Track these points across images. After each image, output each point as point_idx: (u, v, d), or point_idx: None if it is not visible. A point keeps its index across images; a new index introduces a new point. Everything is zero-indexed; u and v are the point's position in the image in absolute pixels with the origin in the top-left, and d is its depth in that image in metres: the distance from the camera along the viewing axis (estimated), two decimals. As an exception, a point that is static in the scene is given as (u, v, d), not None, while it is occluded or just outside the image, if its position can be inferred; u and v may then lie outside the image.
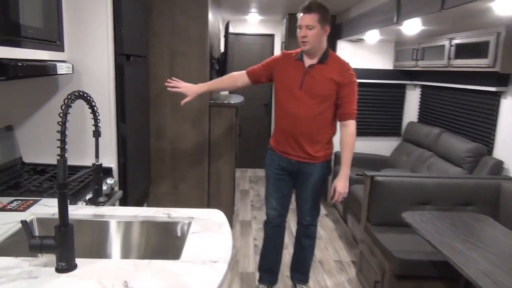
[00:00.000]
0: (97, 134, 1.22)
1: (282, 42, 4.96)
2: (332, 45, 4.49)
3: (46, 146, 2.08)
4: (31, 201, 1.53)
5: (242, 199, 4.58)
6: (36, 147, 2.09)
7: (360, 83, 4.26)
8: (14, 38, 1.56)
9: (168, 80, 2.32)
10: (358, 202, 3.16)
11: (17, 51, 1.59)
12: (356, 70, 4.22)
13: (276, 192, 2.42)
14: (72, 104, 1.04)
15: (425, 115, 4.04)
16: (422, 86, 4.15)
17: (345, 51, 4.32)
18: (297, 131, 2.24)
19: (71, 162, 2.06)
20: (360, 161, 4.20)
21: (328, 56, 2.23)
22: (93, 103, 1.18)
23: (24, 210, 1.45)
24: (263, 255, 2.60)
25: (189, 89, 2.31)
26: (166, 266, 1.08)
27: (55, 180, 1.07)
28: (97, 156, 1.25)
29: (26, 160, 2.10)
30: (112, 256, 1.48)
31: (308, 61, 2.23)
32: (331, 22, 2.19)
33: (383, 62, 4.30)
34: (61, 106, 1.02)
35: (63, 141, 1.01)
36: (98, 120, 1.22)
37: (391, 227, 2.56)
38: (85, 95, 1.12)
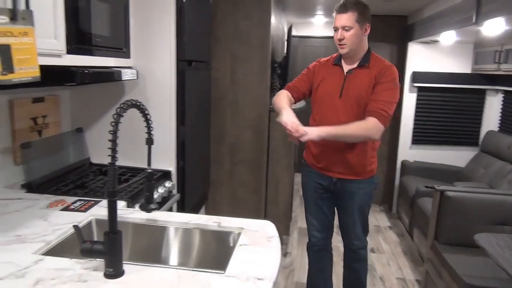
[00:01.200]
0: (149, 142, 1.24)
1: (349, 45, 4.79)
2: (403, 48, 4.26)
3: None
4: (92, 202, 1.61)
5: (301, 206, 4.48)
6: (103, 148, 2.18)
7: (433, 87, 4.04)
8: (83, 47, 1.66)
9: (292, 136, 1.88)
10: (425, 217, 2.93)
11: (86, 58, 1.68)
12: (429, 74, 4.02)
13: (317, 212, 2.20)
14: (124, 114, 1.06)
15: (508, 123, 3.65)
16: (505, 92, 3.76)
17: (417, 54, 4.06)
18: (338, 144, 1.99)
19: (134, 164, 2.16)
20: (431, 171, 3.93)
21: (369, 59, 1.98)
22: (146, 111, 1.20)
23: (85, 211, 1.52)
24: (310, 283, 2.37)
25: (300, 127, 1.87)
26: (209, 280, 1.06)
27: (107, 185, 1.08)
28: (149, 164, 1.27)
29: (94, 160, 2.23)
30: (166, 259, 1.50)
31: (346, 66, 2.01)
32: (371, 20, 1.94)
33: (459, 65, 3.96)
34: (113, 116, 1.04)
35: (113, 149, 1.03)
36: (151, 128, 1.24)
37: (462, 248, 2.33)
38: (138, 103, 1.14)
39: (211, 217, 1.52)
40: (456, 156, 4.06)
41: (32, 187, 1.73)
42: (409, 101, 4.16)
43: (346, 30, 1.89)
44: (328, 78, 2.04)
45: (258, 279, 1.08)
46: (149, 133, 1.24)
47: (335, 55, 2.09)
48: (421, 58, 4.05)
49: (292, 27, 3.46)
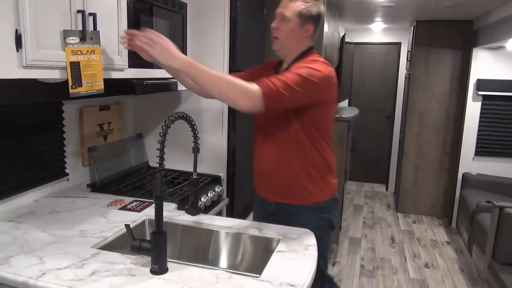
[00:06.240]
0: (196, 150, 1.34)
1: (408, 52, 4.65)
2: (467, 54, 4.04)
3: (167, 152, 2.35)
4: (147, 203, 1.75)
5: (354, 215, 4.42)
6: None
7: (499, 96, 3.78)
8: (144, 61, 1.81)
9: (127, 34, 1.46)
10: (485, 233, 2.77)
11: (146, 71, 1.84)
12: (495, 81, 3.79)
13: None
14: (173, 126, 1.16)
15: None
16: None
17: (482, 60, 3.85)
18: (257, 160, 1.73)
19: (187, 168, 2.30)
20: (496, 185, 3.69)
21: (302, 59, 1.57)
22: (193, 122, 1.30)
23: (139, 211, 1.66)
24: None
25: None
26: (244, 283, 1.13)
27: (153, 186, 1.17)
28: (194, 170, 1.37)
29: (151, 164, 2.40)
30: (211, 260, 1.59)
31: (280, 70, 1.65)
32: (317, 24, 1.61)
33: (530, 72, 3.69)
34: (162, 127, 1.15)
35: (161, 157, 1.13)
36: (198, 137, 1.34)
37: (523, 270, 2.19)
38: (185, 115, 1.24)
39: (253, 223, 1.59)
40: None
41: (96, 187, 1.92)
42: (473, 110, 3.94)
43: (283, 20, 1.57)
44: None
45: (291, 285, 1.13)
46: (195, 142, 1.34)
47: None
48: (486, 65, 3.83)
49: (345, 36, 3.45)
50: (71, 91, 1.31)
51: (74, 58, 1.30)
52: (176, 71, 1.50)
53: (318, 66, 1.51)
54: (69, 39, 1.27)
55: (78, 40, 1.31)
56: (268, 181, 1.70)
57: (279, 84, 1.42)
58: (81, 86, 1.34)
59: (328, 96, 1.58)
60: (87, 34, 1.34)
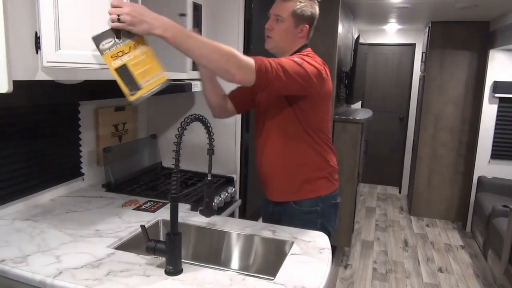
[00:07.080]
0: (210, 152, 1.34)
1: (423, 53, 4.60)
2: (483, 56, 3.97)
3: (181, 153, 2.36)
4: (160, 204, 1.76)
5: (366, 217, 4.38)
6: (173, 153, 2.38)
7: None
8: (159, 62, 1.83)
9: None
10: (501, 238, 2.73)
11: (161, 72, 1.85)
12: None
13: None
14: (187, 127, 1.17)
15: None
16: None
17: (499, 62, 3.79)
18: (257, 158, 1.76)
19: (201, 169, 2.31)
20: (512, 189, 3.62)
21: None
22: (208, 124, 1.30)
23: (153, 211, 1.67)
24: None
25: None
26: (258, 285, 1.12)
27: (167, 186, 1.18)
28: (209, 172, 1.37)
29: (165, 164, 2.42)
30: (225, 261, 1.59)
31: None
32: (312, 24, 1.63)
33: (549, 74, 3.62)
34: (178, 128, 1.15)
35: (177, 159, 1.14)
36: (213, 139, 1.34)
37: (541, 276, 2.14)
38: (201, 117, 1.24)
39: (267, 225, 1.58)
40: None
41: (111, 187, 1.94)
42: (489, 112, 3.88)
43: (277, 20, 1.58)
44: None
45: (305, 289, 1.12)
46: (210, 144, 1.34)
47: None
48: (503, 66, 3.77)
49: (359, 38, 3.43)
50: (130, 98, 1.12)
51: (119, 63, 1.11)
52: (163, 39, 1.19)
53: (310, 60, 1.50)
54: (102, 45, 1.11)
55: (114, 40, 1.13)
56: (264, 179, 1.75)
57: (276, 66, 1.38)
58: (140, 88, 1.14)
59: (317, 91, 1.54)
60: (120, 29, 1.13)
